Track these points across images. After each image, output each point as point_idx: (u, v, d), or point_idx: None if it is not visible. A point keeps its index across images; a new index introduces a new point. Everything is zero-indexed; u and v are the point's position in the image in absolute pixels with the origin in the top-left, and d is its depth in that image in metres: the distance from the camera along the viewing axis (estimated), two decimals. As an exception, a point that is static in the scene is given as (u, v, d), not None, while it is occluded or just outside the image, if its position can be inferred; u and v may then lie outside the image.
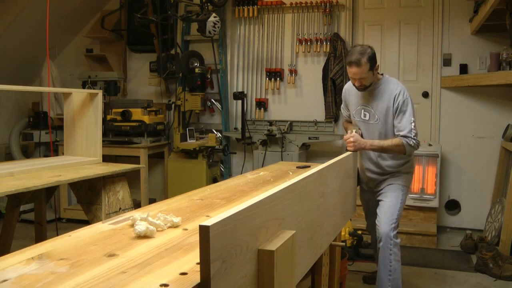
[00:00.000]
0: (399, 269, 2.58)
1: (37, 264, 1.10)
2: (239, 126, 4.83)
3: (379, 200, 2.72)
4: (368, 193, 2.90)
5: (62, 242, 1.29)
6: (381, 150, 2.60)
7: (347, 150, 2.62)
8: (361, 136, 2.70)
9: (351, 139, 2.59)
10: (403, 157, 2.68)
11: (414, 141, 2.55)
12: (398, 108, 2.57)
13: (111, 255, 1.17)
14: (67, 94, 2.90)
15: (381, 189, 2.74)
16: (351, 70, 2.54)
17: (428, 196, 4.12)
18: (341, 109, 3.01)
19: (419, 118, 4.37)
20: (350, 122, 2.91)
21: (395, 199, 2.66)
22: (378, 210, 2.68)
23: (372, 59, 2.53)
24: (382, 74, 2.70)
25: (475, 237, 3.81)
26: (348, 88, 2.81)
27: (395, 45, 4.46)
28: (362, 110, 2.73)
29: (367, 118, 2.72)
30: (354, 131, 2.68)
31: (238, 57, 4.93)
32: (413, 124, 2.54)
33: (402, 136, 2.53)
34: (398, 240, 2.60)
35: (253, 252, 1.17)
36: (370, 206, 2.88)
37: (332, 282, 2.38)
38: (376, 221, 2.64)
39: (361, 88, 2.62)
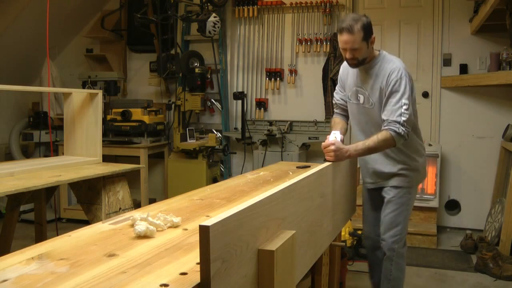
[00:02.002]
0: (401, 277, 2.40)
1: (37, 264, 1.10)
2: (239, 126, 4.83)
3: (384, 209, 2.42)
4: (371, 191, 2.56)
5: (62, 242, 1.29)
6: (368, 151, 2.21)
7: (325, 161, 2.15)
8: (343, 142, 2.30)
9: (332, 148, 2.12)
10: (414, 151, 2.39)
11: (404, 129, 2.14)
12: (389, 89, 2.19)
13: (111, 255, 1.17)
14: (67, 94, 2.90)
15: (387, 187, 2.42)
16: (342, 38, 2.17)
17: (428, 196, 4.12)
18: (335, 93, 2.59)
19: (419, 118, 4.35)
20: (342, 114, 2.55)
21: (401, 207, 2.37)
22: (382, 218, 2.41)
23: (367, 28, 2.17)
24: (379, 51, 2.34)
25: (475, 237, 3.81)
26: (346, 66, 2.43)
27: (395, 45, 4.46)
28: (357, 92, 2.38)
29: (361, 101, 2.37)
30: (334, 136, 2.28)
31: (238, 57, 4.93)
32: (404, 107, 2.14)
33: (389, 122, 2.16)
34: (403, 250, 2.38)
35: (253, 252, 1.17)
36: (372, 207, 2.57)
37: (332, 282, 2.38)
38: (380, 230, 2.41)
39: (353, 62, 2.25)
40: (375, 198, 2.53)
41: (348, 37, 2.15)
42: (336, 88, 2.59)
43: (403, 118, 2.13)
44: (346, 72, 2.47)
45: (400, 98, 2.16)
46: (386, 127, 2.16)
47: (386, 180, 2.43)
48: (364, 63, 2.26)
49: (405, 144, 2.30)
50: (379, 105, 2.27)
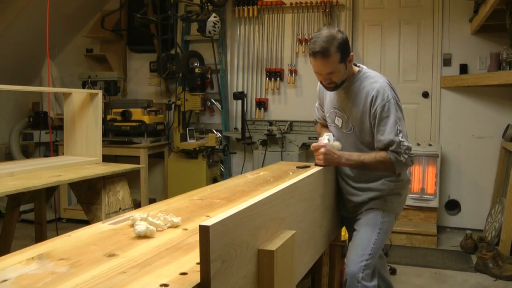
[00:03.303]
0: None
1: (37, 264, 1.10)
2: (239, 126, 4.83)
3: (354, 230, 2.12)
4: (347, 220, 2.29)
5: (62, 242, 1.29)
6: (361, 166, 2.00)
7: (316, 165, 2.02)
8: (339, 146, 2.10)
9: (322, 150, 1.97)
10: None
11: (406, 157, 1.92)
12: (376, 117, 1.94)
13: (111, 255, 1.16)
14: (67, 94, 2.90)
15: (359, 215, 2.12)
16: (316, 63, 1.93)
17: (428, 196, 4.12)
18: (316, 108, 2.38)
19: (419, 118, 4.42)
20: (326, 126, 2.30)
21: (371, 228, 2.03)
22: (350, 242, 2.11)
23: (344, 48, 1.90)
24: (358, 66, 2.09)
25: (475, 237, 3.81)
26: None
27: (395, 45, 4.46)
28: (335, 115, 2.13)
29: (339, 124, 2.12)
30: (327, 138, 2.08)
31: (238, 57, 4.93)
32: (400, 134, 1.91)
33: (389, 151, 1.95)
34: (372, 284, 1.95)
35: (253, 252, 1.17)
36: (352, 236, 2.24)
37: (332, 282, 2.38)
38: (346, 255, 2.08)
39: (331, 86, 2.01)
40: (352, 226, 2.20)
41: (323, 61, 1.90)
42: (316, 104, 2.36)
43: (403, 148, 1.92)
44: (323, 88, 2.15)
45: (394, 125, 1.91)
46: (387, 151, 1.95)
47: (360, 207, 2.14)
48: (343, 84, 2.02)
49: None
50: (358, 130, 2.04)
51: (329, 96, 2.17)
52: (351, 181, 2.14)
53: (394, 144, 1.92)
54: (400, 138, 1.91)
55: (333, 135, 2.15)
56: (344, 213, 2.27)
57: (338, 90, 2.06)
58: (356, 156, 1.99)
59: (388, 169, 1.97)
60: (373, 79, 2.01)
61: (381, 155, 1.95)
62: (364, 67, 2.09)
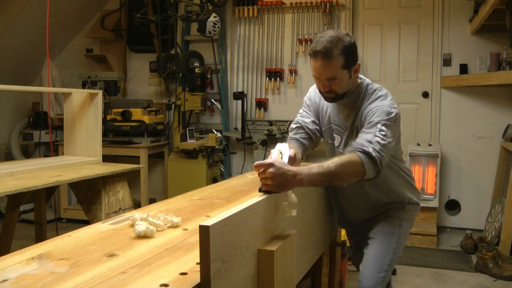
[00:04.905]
0: None
1: (37, 264, 1.10)
2: (239, 126, 4.83)
3: (368, 238, 1.89)
4: (355, 230, 2.12)
5: (62, 242, 1.29)
6: (330, 178, 1.49)
7: (260, 191, 1.34)
8: (293, 162, 1.65)
9: (270, 170, 1.33)
10: (400, 183, 1.90)
11: (374, 148, 1.54)
12: (367, 119, 1.68)
13: (111, 255, 1.16)
14: (67, 94, 2.90)
15: (373, 224, 1.92)
16: (315, 65, 1.66)
17: (428, 196, 4.12)
18: (299, 115, 2.01)
19: (419, 118, 4.42)
20: (301, 140, 1.93)
21: (389, 237, 1.83)
22: (365, 251, 1.87)
23: (349, 52, 1.66)
24: (360, 78, 1.83)
25: (475, 237, 3.82)
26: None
27: (395, 45, 4.46)
28: (332, 131, 1.89)
29: (336, 143, 1.87)
30: (280, 151, 1.63)
31: (238, 57, 4.93)
32: (381, 133, 1.59)
33: (356, 143, 1.60)
34: None
35: (253, 252, 1.17)
36: (360, 241, 2.03)
37: (332, 282, 2.38)
38: (360, 267, 1.86)
39: (330, 96, 1.75)
40: (360, 232, 2.02)
41: (324, 63, 1.64)
42: (301, 110, 2.02)
43: (376, 139, 1.57)
44: (319, 98, 1.89)
45: (376, 124, 1.62)
46: (352, 149, 1.59)
47: (372, 219, 1.95)
48: (345, 97, 1.76)
49: (392, 182, 1.85)
50: None
51: (330, 109, 1.89)
52: (372, 191, 1.88)
53: (368, 138, 1.59)
54: (377, 133, 1.59)
55: (290, 148, 1.68)
56: (349, 228, 2.17)
57: (341, 104, 1.81)
58: (316, 167, 1.46)
59: (357, 170, 1.54)
60: (376, 93, 1.77)
61: (346, 155, 1.55)
62: (367, 79, 1.85)
